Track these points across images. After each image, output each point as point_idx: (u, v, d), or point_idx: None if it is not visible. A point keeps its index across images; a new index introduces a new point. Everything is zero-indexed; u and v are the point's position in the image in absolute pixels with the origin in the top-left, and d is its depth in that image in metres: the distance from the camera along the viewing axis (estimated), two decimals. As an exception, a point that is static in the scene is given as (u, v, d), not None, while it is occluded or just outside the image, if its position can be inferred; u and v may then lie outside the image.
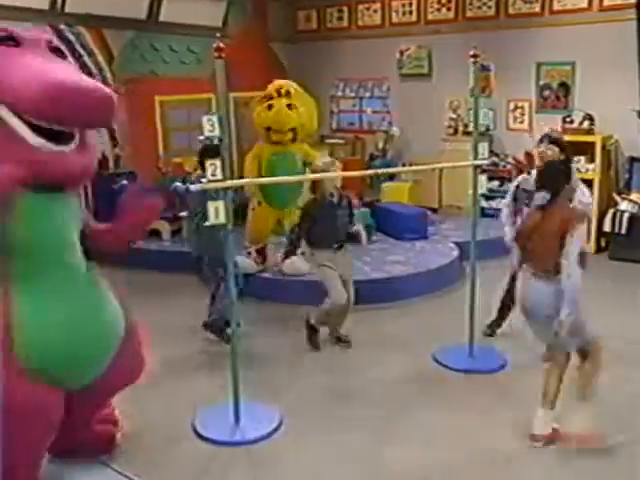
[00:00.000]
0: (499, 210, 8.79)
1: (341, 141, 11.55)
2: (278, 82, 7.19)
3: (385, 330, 6.13)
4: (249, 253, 7.15)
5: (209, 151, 5.11)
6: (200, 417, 4.52)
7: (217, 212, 4.21)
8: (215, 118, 4.09)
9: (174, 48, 9.74)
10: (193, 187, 4.20)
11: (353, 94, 11.72)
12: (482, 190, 5.24)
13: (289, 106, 6.79)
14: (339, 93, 11.88)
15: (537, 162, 5.20)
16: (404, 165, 10.44)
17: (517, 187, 5.36)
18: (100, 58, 8.97)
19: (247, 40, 11.12)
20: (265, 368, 5.34)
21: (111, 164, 9.34)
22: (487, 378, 5.03)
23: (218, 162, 4.12)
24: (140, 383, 4.86)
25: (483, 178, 5.21)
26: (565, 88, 9.37)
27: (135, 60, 9.42)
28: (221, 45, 4.03)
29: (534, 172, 5.14)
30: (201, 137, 4.20)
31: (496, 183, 9.70)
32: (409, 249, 8.05)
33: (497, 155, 9.83)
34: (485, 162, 5.18)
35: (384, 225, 8.83)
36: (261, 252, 7.27)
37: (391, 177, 10.59)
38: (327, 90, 11.94)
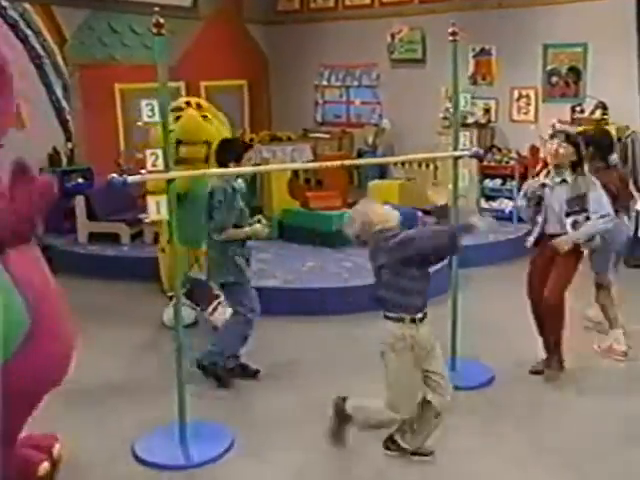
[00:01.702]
0: (502, 212, 8.92)
1: (326, 135, 11.57)
2: (186, 98, 7.05)
3: (356, 342, 6.08)
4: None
5: (230, 150, 5.24)
6: (143, 438, 4.49)
7: (158, 207, 4.21)
8: (155, 103, 4.09)
9: (136, 30, 9.75)
10: (131, 179, 4.18)
11: (339, 83, 11.79)
12: (464, 184, 5.20)
13: (203, 117, 6.50)
14: (324, 82, 11.94)
15: (549, 159, 5.19)
16: (395, 164, 10.43)
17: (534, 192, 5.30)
18: (50, 40, 8.98)
19: (220, 21, 11.19)
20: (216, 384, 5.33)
21: (63, 160, 9.33)
22: (471, 395, 4.99)
23: (159, 151, 4.12)
24: (81, 401, 4.96)
25: (465, 171, 5.18)
26: (575, 73, 9.43)
27: (91, 43, 9.44)
28: (160, 20, 4.02)
29: (542, 175, 5.20)
30: (139, 123, 4.33)
31: (498, 181, 9.73)
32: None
33: (499, 150, 9.87)
34: (466, 153, 5.14)
35: (370, 228, 8.76)
36: (191, 296, 6.64)
37: (382, 175, 10.63)
38: (311, 78, 12.00)
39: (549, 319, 5.24)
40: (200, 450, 4.37)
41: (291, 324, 6.29)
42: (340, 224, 8.23)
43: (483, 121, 10.02)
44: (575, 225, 5.02)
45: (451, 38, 5.02)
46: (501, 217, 9.13)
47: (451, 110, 5.29)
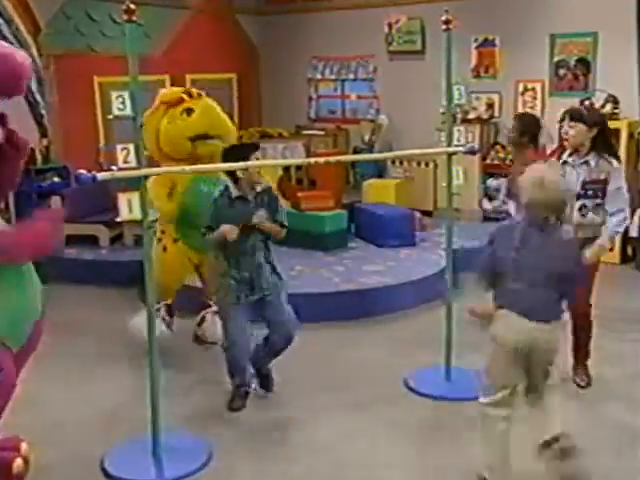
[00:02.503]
0: (505, 212, 8.86)
1: (320, 132, 11.57)
2: (177, 88, 6.47)
3: (348, 350, 6.11)
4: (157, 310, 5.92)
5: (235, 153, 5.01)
6: (114, 453, 4.47)
7: (131, 206, 4.21)
8: (126, 94, 4.10)
9: (116, 19, 9.72)
10: (100, 175, 4.16)
11: (334, 76, 11.77)
12: (459, 182, 5.22)
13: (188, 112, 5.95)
14: (318, 75, 11.92)
15: (566, 144, 5.14)
16: (393, 162, 10.42)
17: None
18: (22, 29, 8.96)
19: (208, 11, 11.16)
20: (195, 394, 5.33)
21: (38, 158, 9.30)
22: (467, 407, 4.91)
23: (131, 146, 4.15)
24: (49, 413, 4.98)
25: (460, 169, 5.17)
26: (585, 65, 9.38)
27: (67, 32, 9.42)
28: (131, 6, 4.03)
29: (567, 153, 5.13)
30: (110, 116, 4.35)
31: (501, 180, 9.66)
32: (391, 257, 8.05)
33: (503, 147, 9.84)
34: (460, 149, 5.14)
35: (364, 230, 8.83)
36: (171, 310, 6.29)
37: (379, 174, 10.61)
38: (304, 72, 11.99)
39: (577, 332, 5.23)
40: (174, 465, 4.34)
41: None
42: (333, 226, 8.45)
43: (486, 116, 9.99)
44: (582, 210, 4.95)
45: (444, 27, 5.03)
46: (505, 218, 9.05)
47: (455, 103, 5.27)
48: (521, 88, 9.87)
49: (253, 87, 12.26)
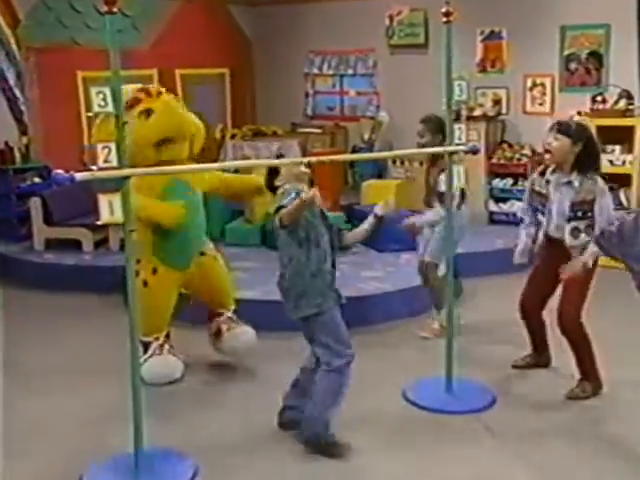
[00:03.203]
0: (512, 215, 8.87)
1: (318, 130, 11.58)
2: (137, 85, 5.70)
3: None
4: (161, 347, 5.74)
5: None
6: (94, 471, 4.43)
7: (111, 208, 4.20)
8: (107, 90, 4.08)
9: (100, 10, 9.71)
10: (79, 176, 4.14)
11: (332, 71, 11.80)
12: (460, 184, 5.21)
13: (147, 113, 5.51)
14: (315, 70, 11.94)
15: (546, 156, 5.17)
16: (394, 161, 10.40)
17: (532, 189, 5.31)
18: (0, 20, 8.95)
19: (199, 2, 11.17)
20: (179, 406, 5.31)
21: (17, 157, 9.29)
22: (468, 420, 4.96)
23: (113, 145, 4.14)
24: (27, 426, 4.95)
25: (461, 169, 5.15)
26: (597, 59, 9.40)
27: (49, 24, 9.43)
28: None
29: (549, 170, 5.18)
30: (90, 114, 4.40)
31: (509, 181, 9.69)
32: (390, 263, 8.03)
33: (510, 145, 9.83)
34: (461, 148, 5.12)
35: (363, 233, 8.76)
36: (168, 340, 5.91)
37: (379, 174, 10.59)
38: (300, 66, 12.01)
39: (573, 348, 5.23)
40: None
41: (267, 340, 6.21)
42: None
43: (492, 113, 9.97)
44: (574, 233, 4.99)
45: (445, 19, 5.02)
46: (512, 222, 9.05)
47: (456, 100, 5.26)
48: (529, 83, 9.89)
49: (246, 82, 12.27)
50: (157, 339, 5.70)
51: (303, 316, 4.53)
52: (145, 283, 5.61)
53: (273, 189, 4.68)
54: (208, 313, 6.01)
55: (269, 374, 5.75)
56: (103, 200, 4.16)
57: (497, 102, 10.09)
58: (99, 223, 4.29)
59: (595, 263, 5.03)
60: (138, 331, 5.51)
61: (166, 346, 5.74)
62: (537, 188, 5.23)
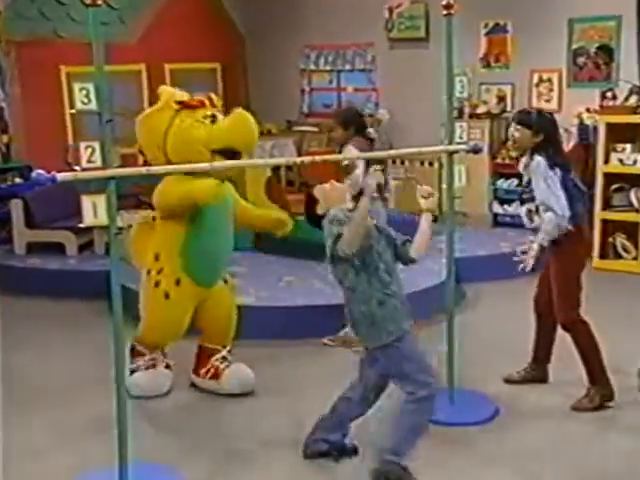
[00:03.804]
0: (517, 217, 8.87)
1: (314, 129, 11.54)
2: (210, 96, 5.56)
3: (339, 370, 6.01)
4: (152, 361, 5.66)
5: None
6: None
7: (95, 209, 4.20)
8: (91, 86, 4.09)
9: (85, 2, 9.73)
10: (61, 176, 4.15)
11: (329, 66, 11.79)
12: (461, 184, 5.22)
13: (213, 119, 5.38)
14: (311, 65, 11.93)
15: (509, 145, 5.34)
16: (393, 161, 10.39)
17: None
18: (-21, 12, 8.99)
19: (188, -8, 11.18)
20: (166, 419, 5.31)
21: (-3, 156, 9.30)
22: (470, 432, 4.97)
23: (97, 144, 4.15)
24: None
25: (462, 168, 5.19)
26: (607, 52, 9.38)
27: (30, 16, 9.45)
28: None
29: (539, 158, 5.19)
30: (72, 111, 4.37)
31: (514, 182, 9.67)
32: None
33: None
34: (462, 147, 5.16)
35: (361, 236, 8.77)
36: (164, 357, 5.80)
37: (379, 175, 10.57)
38: (295, 61, 12.01)
39: (577, 347, 5.23)
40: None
41: (258, 349, 6.21)
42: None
43: (496, 111, 9.98)
44: (528, 215, 5.19)
45: (445, 12, 5.04)
46: (517, 224, 9.06)
47: (457, 97, 5.29)
48: (536, 79, 9.87)
49: (239, 78, 12.26)
50: (151, 352, 5.65)
51: (377, 346, 4.35)
52: (167, 295, 5.42)
53: (314, 219, 4.51)
54: (200, 350, 5.76)
55: (261, 383, 5.73)
56: (87, 202, 4.17)
57: (502, 99, 10.07)
58: (82, 226, 4.30)
59: (579, 255, 5.20)
60: (139, 339, 5.61)
61: (160, 360, 5.67)
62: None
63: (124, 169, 4.78)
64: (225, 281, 5.74)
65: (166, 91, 5.52)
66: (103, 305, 6.77)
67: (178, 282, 5.43)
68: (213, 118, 5.34)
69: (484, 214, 9.63)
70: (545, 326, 5.51)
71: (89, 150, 4.18)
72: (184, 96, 5.46)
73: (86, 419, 5.32)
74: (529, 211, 5.19)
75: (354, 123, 6.22)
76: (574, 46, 9.55)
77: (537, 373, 5.66)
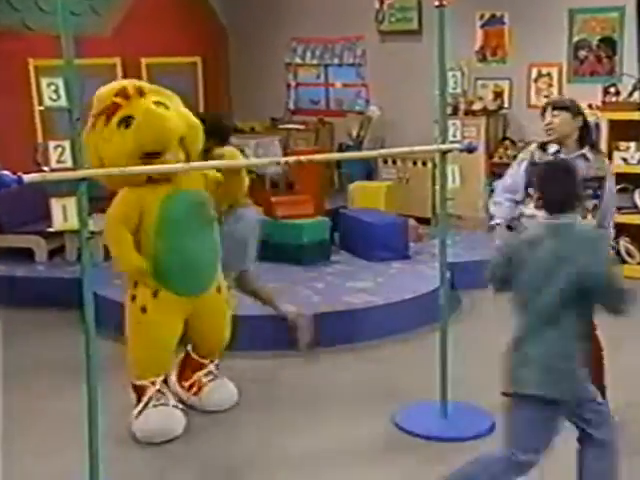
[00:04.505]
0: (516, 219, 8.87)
1: (300, 126, 11.64)
2: (112, 86, 5.33)
3: (329, 382, 6.11)
4: (161, 395, 5.25)
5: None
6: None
7: (65, 213, 4.19)
8: (60, 82, 4.08)
9: (55, -9, 9.74)
10: (27, 178, 4.14)
11: (316, 61, 11.84)
12: (454, 185, 5.23)
13: (156, 105, 5.20)
14: (297, 59, 12.00)
15: (547, 137, 5.23)
16: (384, 161, 10.42)
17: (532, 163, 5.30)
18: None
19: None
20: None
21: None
22: (466, 448, 4.88)
23: (67, 143, 4.14)
24: None
25: (455, 169, 5.19)
26: (610, 45, 9.43)
27: (-4, 7, 9.41)
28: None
29: (552, 148, 5.19)
30: (40, 107, 4.49)
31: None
32: (381, 273, 8.06)
33: (513, 143, 9.86)
34: (456, 146, 5.17)
35: (350, 240, 8.86)
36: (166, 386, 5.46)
37: (368, 176, 10.62)
38: (281, 55, 12.06)
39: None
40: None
41: (236, 361, 6.18)
42: (313, 235, 8.45)
43: (493, 107, 10.01)
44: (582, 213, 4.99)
45: (438, 3, 5.06)
46: (515, 227, 9.07)
47: (450, 93, 5.30)
48: (534, 74, 9.92)
49: (221, 73, 12.27)
50: (154, 384, 5.22)
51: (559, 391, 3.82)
52: (144, 309, 5.19)
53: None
54: (186, 359, 5.66)
55: (244, 398, 5.72)
56: (56, 204, 4.17)
57: (499, 95, 10.12)
58: (52, 230, 4.27)
59: None
60: (130, 369, 5.31)
61: (166, 392, 5.30)
62: (539, 161, 5.17)
63: (96, 170, 4.79)
64: (219, 290, 5.49)
65: (93, 102, 5.28)
66: (75, 315, 6.74)
67: (155, 294, 5.20)
68: (127, 122, 5.09)
69: (480, 217, 9.64)
70: None
71: (59, 150, 4.18)
72: (99, 102, 5.18)
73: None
74: (583, 209, 4.89)
75: (216, 134, 5.85)
76: (575, 38, 9.59)
77: None
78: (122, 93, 5.17)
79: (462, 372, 5.47)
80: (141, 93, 5.22)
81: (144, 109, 5.09)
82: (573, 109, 5.14)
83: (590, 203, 5.06)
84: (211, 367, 5.61)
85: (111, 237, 5.19)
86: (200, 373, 5.60)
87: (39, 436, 5.29)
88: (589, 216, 5.06)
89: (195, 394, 5.60)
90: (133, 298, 5.24)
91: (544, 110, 5.26)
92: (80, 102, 4.08)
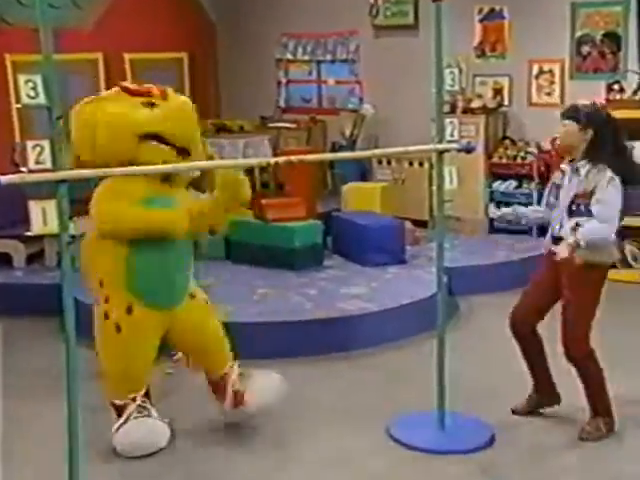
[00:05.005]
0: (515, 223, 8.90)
1: (291, 125, 11.61)
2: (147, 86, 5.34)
3: (321, 391, 6.10)
4: (143, 406, 5.22)
5: None
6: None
7: (45, 216, 4.18)
8: (39, 79, 4.08)
9: (34, -17, 9.73)
10: (5, 179, 4.14)
11: (308, 56, 11.83)
12: (452, 186, 5.21)
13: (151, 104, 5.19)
14: (288, 55, 11.98)
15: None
16: (379, 161, 10.42)
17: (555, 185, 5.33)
18: None
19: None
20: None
21: None
22: (464, 461, 4.95)
23: (46, 143, 4.13)
24: None
25: (453, 169, 5.18)
26: (614, 40, 9.45)
27: (-31, -1, 9.38)
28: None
29: (566, 161, 5.22)
30: (18, 105, 4.47)
31: (512, 184, 9.72)
32: (375, 278, 8.07)
33: (513, 142, 9.87)
34: (453, 146, 5.16)
35: (343, 244, 8.87)
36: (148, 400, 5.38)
37: (363, 176, 10.62)
38: (271, 51, 12.04)
39: (581, 378, 5.21)
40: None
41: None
42: (305, 239, 8.45)
43: (492, 105, 10.02)
44: (577, 229, 4.95)
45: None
46: (516, 230, 9.11)
47: (447, 90, 5.30)
48: (535, 70, 9.93)
49: (209, 70, 12.26)
50: (134, 400, 5.17)
51: None
52: (118, 328, 5.10)
53: None
54: (210, 384, 5.48)
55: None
56: (35, 207, 4.15)
57: (498, 92, 10.13)
58: (30, 234, 4.26)
59: (602, 277, 5.08)
60: (106, 390, 5.24)
61: (147, 406, 5.22)
62: (557, 181, 5.25)
63: (77, 171, 4.77)
64: (192, 296, 5.42)
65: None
66: (54, 323, 6.73)
67: (129, 310, 5.10)
68: (152, 105, 5.13)
69: (479, 219, 9.65)
70: (528, 342, 5.43)
71: (37, 150, 4.18)
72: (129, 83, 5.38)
73: (38, 457, 5.20)
74: (578, 226, 4.95)
75: None
76: (578, 33, 9.61)
77: (544, 399, 5.57)
78: (162, 91, 5.21)
79: (460, 381, 5.47)
80: (165, 96, 5.23)
81: (184, 100, 5.25)
82: (582, 119, 4.99)
83: (584, 220, 4.95)
84: (234, 375, 5.40)
85: (132, 216, 4.98)
86: (229, 384, 5.38)
87: (20, 450, 5.23)
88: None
89: (240, 404, 5.35)
90: (106, 316, 5.12)
91: (561, 115, 5.22)
92: (60, 100, 4.06)
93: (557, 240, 5.06)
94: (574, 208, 5.01)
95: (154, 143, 5.04)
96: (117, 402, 5.17)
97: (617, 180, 4.95)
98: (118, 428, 5.11)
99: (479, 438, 5.21)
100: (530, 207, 5.85)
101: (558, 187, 5.20)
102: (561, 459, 5.03)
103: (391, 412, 5.57)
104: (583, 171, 5.01)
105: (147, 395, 5.29)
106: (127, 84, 5.36)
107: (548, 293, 5.26)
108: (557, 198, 5.18)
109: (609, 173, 4.96)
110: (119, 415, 5.16)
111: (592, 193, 4.95)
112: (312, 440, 5.34)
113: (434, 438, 5.21)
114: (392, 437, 5.28)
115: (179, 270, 5.29)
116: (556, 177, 5.30)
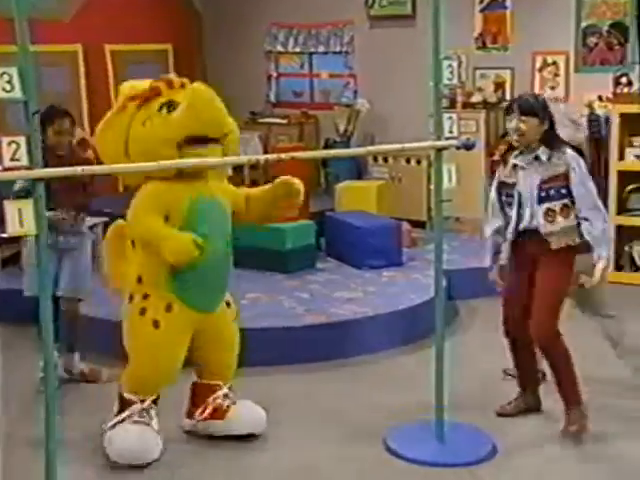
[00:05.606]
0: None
1: (282, 121, 11.65)
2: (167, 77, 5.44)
3: (314, 401, 6.10)
4: (144, 413, 5.23)
5: None
6: None
7: (21, 217, 4.17)
8: (14, 72, 4.07)
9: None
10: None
11: (299, 48, 11.87)
12: (450, 185, 5.19)
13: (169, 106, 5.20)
14: (278, 47, 12.01)
15: (514, 142, 5.36)
16: (375, 159, 10.43)
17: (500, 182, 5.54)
18: None
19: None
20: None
21: None
22: (463, 475, 4.94)
23: (22, 139, 4.10)
24: None
25: (452, 167, 5.17)
26: (621, 31, 9.48)
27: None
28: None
29: (512, 155, 5.39)
30: None
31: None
32: (371, 281, 8.09)
33: (515, 138, 9.87)
34: (452, 143, 5.15)
35: (337, 246, 8.88)
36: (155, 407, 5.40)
37: (358, 175, 10.63)
38: (261, 42, 12.07)
39: (551, 366, 5.37)
40: None
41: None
42: (297, 241, 8.44)
43: (494, 99, 10.05)
44: (548, 216, 5.19)
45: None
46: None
47: (445, 84, 5.32)
48: (539, 62, 9.97)
49: (195, 62, 12.24)
50: (143, 402, 5.20)
51: None
52: (156, 324, 5.14)
53: None
54: (195, 390, 5.51)
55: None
56: (11, 207, 4.14)
57: (500, 86, 10.16)
58: (5, 236, 4.25)
59: (574, 257, 5.30)
60: (126, 383, 5.27)
61: (151, 413, 5.23)
62: (503, 179, 5.42)
63: (55, 169, 4.77)
64: (228, 304, 5.50)
65: (124, 89, 5.38)
66: (31, 330, 6.72)
67: (169, 308, 5.17)
68: (170, 106, 5.15)
69: (479, 219, 9.64)
70: (522, 342, 5.53)
71: (13, 146, 4.16)
72: (133, 88, 5.30)
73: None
74: (550, 211, 5.18)
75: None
76: (583, 24, 9.65)
77: (529, 400, 5.71)
78: (165, 80, 5.28)
79: (460, 390, 5.51)
80: (182, 86, 5.28)
81: (193, 92, 5.10)
82: (541, 113, 5.24)
83: (557, 204, 5.19)
84: (225, 390, 5.47)
85: (145, 227, 5.07)
86: (215, 396, 5.43)
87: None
88: (559, 218, 5.19)
89: (217, 418, 5.41)
90: (142, 312, 5.16)
91: (510, 110, 5.36)
92: (37, 93, 4.06)
93: (529, 233, 5.25)
94: (543, 195, 5.20)
95: (194, 147, 5.03)
96: (128, 396, 5.19)
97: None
98: (114, 425, 5.16)
99: (480, 450, 5.20)
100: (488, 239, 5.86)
101: (508, 184, 5.35)
102: (569, 469, 5.04)
103: (387, 422, 5.56)
104: (544, 157, 5.21)
105: (155, 402, 5.29)
106: (133, 88, 5.30)
107: (527, 290, 5.38)
108: (512, 195, 5.32)
109: (570, 151, 5.27)
110: (120, 411, 5.20)
111: (565, 176, 5.19)
112: (303, 450, 5.33)
113: (433, 450, 5.19)
114: (388, 449, 5.26)
115: (224, 271, 5.39)
116: (505, 175, 5.41)
